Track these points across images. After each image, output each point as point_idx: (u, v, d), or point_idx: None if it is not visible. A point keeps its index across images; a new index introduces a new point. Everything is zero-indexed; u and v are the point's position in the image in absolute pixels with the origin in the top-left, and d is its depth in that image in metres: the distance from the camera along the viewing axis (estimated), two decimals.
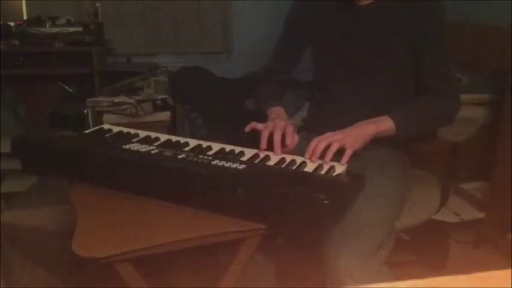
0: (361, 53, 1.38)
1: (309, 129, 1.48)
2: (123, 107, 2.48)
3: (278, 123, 1.24)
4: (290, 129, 1.24)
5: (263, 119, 1.37)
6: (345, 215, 1.22)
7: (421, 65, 1.34)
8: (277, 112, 1.38)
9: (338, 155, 1.16)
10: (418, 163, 1.55)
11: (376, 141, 1.29)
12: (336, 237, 1.13)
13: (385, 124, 1.26)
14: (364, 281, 1.07)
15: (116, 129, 1.35)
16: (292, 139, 1.23)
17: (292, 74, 1.59)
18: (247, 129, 1.25)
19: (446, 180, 1.59)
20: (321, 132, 1.22)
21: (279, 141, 1.20)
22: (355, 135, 1.20)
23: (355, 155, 1.22)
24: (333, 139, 1.17)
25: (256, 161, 1.16)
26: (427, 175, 1.62)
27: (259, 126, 1.26)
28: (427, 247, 1.95)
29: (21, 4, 2.79)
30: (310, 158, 1.15)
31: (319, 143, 1.16)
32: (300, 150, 1.20)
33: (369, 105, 1.37)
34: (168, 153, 1.14)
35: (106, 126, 1.37)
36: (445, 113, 1.36)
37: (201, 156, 1.12)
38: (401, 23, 1.32)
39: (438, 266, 1.93)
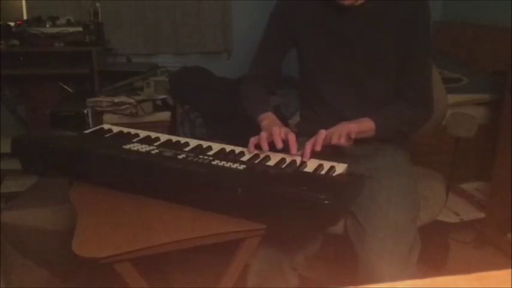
0: (350, 54, 1.37)
1: (305, 135, 1.48)
2: (123, 107, 2.48)
3: (275, 130, 1.24)
4: (286, 131, 1.23)
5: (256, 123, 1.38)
6: (345, 215, 1.22)
7: (401, 70, 1.36)
8: (269, 119, 1.37)
9: (336, 158, 1.17)
10: (418, 163, 1.56)
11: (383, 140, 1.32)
12: (372, 243, 1.16)
13: (366, 125, 1.29)
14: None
15: (116, 129, 1.35)
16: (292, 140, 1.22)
17: (274, 79, 1.55)
18: (252, 150, 1.22)
19: (447, 180, 1.59)
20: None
21: (278, 135, 1.20)
22: (342, 131, 1.21)
23: (366, 156, 1.24)
24: (330, 132, 1.19)
25: (256, 161, 1.16)
26: (430, 171, 1.63)
27: (257, 140, 1.24)
28: (427, 247, 1.95)
29: (21, 4, 2.79)
30: (315, 147, 1.16)
31: (318, 137, 1.17)
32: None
33: (361, 106, 1.38)
34: (168, 153, 1.14)
35: (106, 126, 1.37)
36: (417, 120, 1.40)
37: (201, 156, 1.12)
38: (389, 25, 1.33)
39: (438, 266, 1.94)
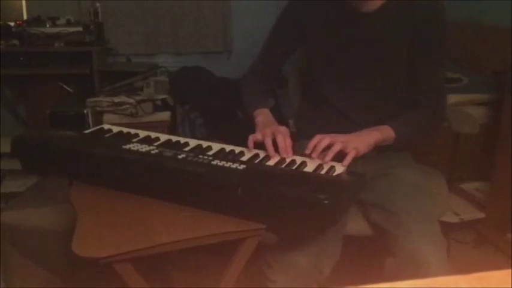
0: (361, 57, 1.36)
1: (308, 137, 1.46)
2: (123, 107, 2.48)
3: (276, 130, 1.23)
4: (288, 140, 1.22)
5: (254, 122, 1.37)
6: (345, 215, 1.22)
7: (415, 76, 1.36)
8: (263, 115, 1.37)
9: (340, 157, 1.16)
10: (418, 163, 1.55)
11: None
12: (410, 225, 1.18)
13: (386, 133, 1.28)
14: (446, 272, 1.13)
15: (116, 129, 1.35)
16: (288, 150, 1.21)
17: (275, 77, 1.56)
18: (251, 145, 1.22)
19: (447, 180, 1.59)
20: None
21: (284, 145, 1.19)
22: (359, 141, 1.20)
23: (371, 157, 1.26)
24: (336, 140, 1.17)
25: (256, 161, 1.15)
26: (432, 170, 1.64)
27: (258, 137, 1.23)
28: None
29: (21, 4, 2.79)
30: (310, 155, 1.15)
31: (321, 140, 1.16)
32: None
33: (371, 112, 1.38)
34: (168, 153, 1.14)
35: (106, 126, 1.37)
36: (432, 126, 1.41)
37: (201, 156, 1.12)
38: (402, 28, 1.32)
39: None
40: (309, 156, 1.16)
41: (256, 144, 1.22)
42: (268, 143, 1.20)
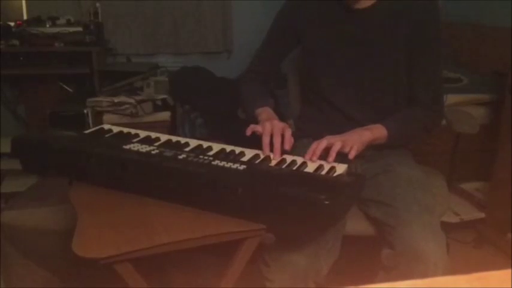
0: (358, 55, 1.37)
1: (309, 136, 1.45)
2: (123, 107, 2.48)
3: (276, 126, 1.23)
4: (288, 133, 1.23)
5: (255, 122, 1.35)
6: (345, 216, 1.22)
7: (412, 73, 1.36)
8: (266, 113, 1.37)
9: (341, 158, 1.17)
10: (418, 163, 1.56)
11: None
12: (409, 217, 1.18)
13: (379, 132, 1.29)
14: (445, 265, 1.14)
15: (116, 129, 1.35)
16: (290, 143, 1.22)
17: (273, 78, 1.56)
18: (249, 132, 1.23)
19: (446, 180, 1.59)
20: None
21: (279, 147, 1.19)
22: (354, 140, 1.22)
23: (373, 156, 1.24)
24: (333, 140, 1.18)
25: (256, 162, 1.15)
26: (432, 170, 1.64)
27: (258, 128, 1.24)
28: None
29: (21, 4, 2.79)
30: (311, 158, 1.16)
31: (319, 144, 1.17)
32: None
33: (371, 109, 1.39)
34: (168, 153, 1.14)
35: (106, 126, 1.37)
36: (429, 125, 1.41)
37: (201, 156, 1.12)
38: (399, 27, 1.32)
39: None
40: (311, 159, 1.16)
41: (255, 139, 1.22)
42: (266, 141, 1.20)
